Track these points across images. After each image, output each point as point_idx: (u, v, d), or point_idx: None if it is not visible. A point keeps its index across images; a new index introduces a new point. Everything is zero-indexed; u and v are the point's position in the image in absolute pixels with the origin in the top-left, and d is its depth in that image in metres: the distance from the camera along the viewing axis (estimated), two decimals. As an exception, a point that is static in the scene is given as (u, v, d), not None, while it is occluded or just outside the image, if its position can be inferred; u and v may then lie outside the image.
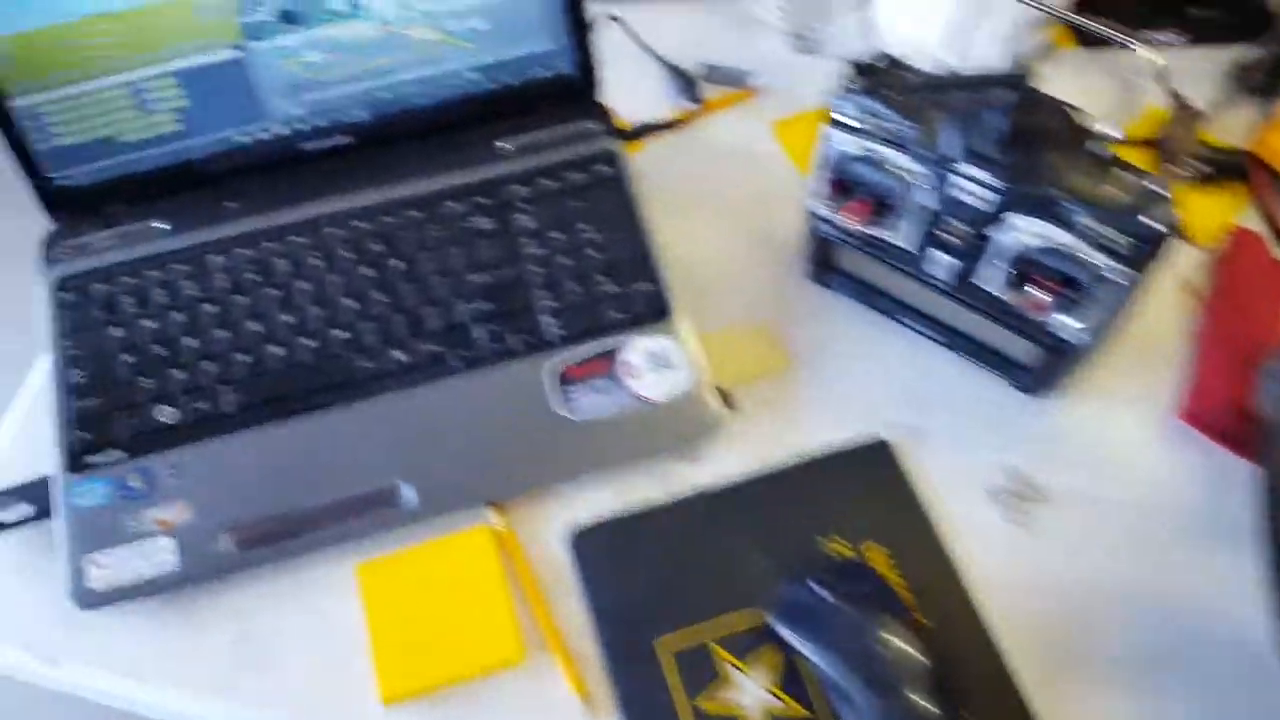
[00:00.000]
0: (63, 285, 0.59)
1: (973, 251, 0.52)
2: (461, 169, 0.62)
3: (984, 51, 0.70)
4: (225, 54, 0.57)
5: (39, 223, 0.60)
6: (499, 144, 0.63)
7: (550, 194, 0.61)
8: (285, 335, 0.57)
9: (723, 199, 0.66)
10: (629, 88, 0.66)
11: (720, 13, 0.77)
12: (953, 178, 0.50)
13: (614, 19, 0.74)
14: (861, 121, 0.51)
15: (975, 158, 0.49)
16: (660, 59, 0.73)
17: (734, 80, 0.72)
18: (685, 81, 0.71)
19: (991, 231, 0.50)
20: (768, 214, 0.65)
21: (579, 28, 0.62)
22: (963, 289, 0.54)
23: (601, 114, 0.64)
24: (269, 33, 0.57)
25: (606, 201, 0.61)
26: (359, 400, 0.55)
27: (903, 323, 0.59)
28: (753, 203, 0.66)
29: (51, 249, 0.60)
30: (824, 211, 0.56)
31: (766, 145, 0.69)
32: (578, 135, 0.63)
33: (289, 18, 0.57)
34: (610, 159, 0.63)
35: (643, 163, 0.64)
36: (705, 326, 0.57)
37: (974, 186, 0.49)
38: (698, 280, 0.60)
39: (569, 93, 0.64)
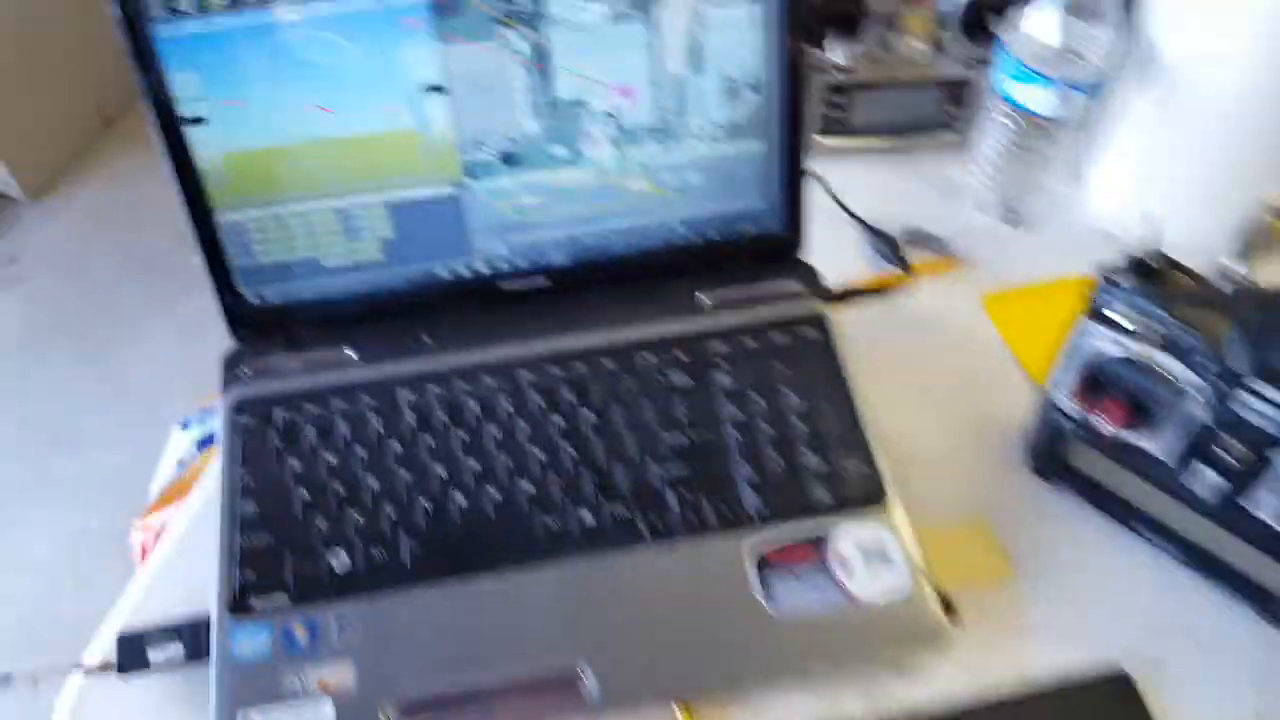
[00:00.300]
0: (240, 407, 0.57)
1: (1248, 474, 0.46)
2: (660, 320, 0.59)
3: (1204, 236, 0.66)
4: (441, 189, 0.56)
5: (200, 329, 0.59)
6: (700, 297, 0.60)
7: (752, 354, 0.58)
8: (470, 482, 0.53)
9: (930, 374, 0.62)
10: (828, 247, 0.63)
11: (922, 176, 0.75)
12: (1236, 393, 0.45)
13: (813, 176, 0.72)
14: (1130, 321, 0.47)
15: (1269, 376, 0.44)
16: (860, 220, 0.70)
17: (937, 247, 0.69)
18: (888, 245, 0.68)
19: (1277, 456, 0.45)
20: (980, 394, 0.61)
21: (792, 185, 0.59)
22: (1226, 511, 0.48)
23: (808, 274, 0.61)
24: (488, 173, 0.56)
25: (813, 367, 0.58)
26: (542, 563, 0.51)
27: (1141, 535, 0.54)
28: (964, 380, 0.62)
29: (232, 368, 0.58)
30: (1067, 407, 0.51)
31: (976, 319, 0.65)
32: (782, 294, 0.60)
33: (510, 160, 0.56)
34: (818, 322, 0.59)
35: (845, 328, 0.60)
36: (915, 516, 0.52)
37: (1264, 406, 0.44)
38: (905, 462, 0.55)
39: (775, 250, 0.61)
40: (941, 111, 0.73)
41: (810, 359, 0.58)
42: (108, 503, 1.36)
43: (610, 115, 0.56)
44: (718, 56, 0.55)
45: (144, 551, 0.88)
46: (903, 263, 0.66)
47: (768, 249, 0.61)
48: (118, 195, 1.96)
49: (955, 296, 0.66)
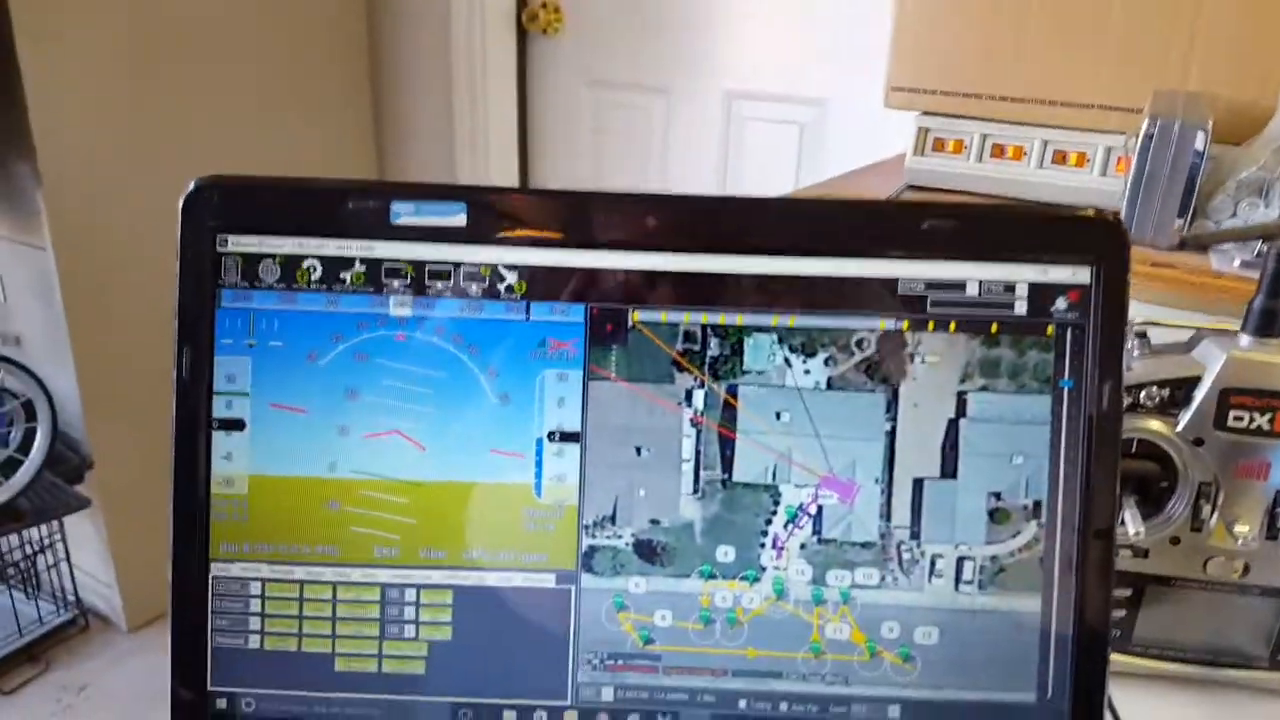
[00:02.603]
0: None
1: None
2: None
3: None
4: (539, 579, 0.40)
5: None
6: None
7: None
8: None
9: None
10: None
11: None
12: None
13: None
14: None
15: None
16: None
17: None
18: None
19: None
20: None
21: (1085, 673, 0.39)
22: None
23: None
24: (612, 568, 0.40)
25: None
26: None
27: None
28: None
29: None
30: None
31: None
32: None
33: (648, 553, 0.40)
34: None
35: None
36: None
37: None
38: None
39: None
40: (1271, 638, 0.53)
41: None
42: None
43: (810, 516, 0.39)
44: (983, 460, 0.39)
45: None
46: None
47: (1035, 781, 0.39)
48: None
49: None
